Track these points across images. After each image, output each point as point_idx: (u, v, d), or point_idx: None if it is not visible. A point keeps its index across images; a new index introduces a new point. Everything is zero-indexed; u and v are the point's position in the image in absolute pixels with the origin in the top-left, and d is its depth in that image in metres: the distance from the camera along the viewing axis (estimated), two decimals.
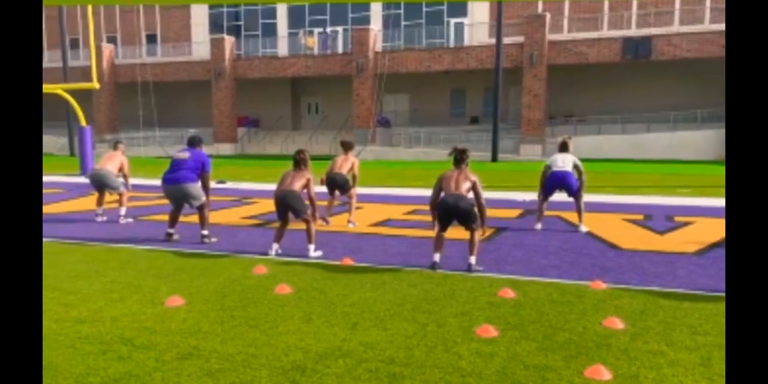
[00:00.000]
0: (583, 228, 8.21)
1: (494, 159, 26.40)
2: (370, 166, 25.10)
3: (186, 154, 7.45)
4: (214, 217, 9.29)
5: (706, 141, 26.94)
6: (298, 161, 6.84)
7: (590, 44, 28.35)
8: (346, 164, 8.84)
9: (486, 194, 6.07)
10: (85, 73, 32.59)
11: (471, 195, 5.98)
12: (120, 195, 9.07)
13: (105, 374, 3.27)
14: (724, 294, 4.99)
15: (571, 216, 9.08)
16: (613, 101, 30.42)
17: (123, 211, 9.04)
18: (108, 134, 35.16)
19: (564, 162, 8.26)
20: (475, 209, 5.93)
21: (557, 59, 28.82)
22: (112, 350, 3.62)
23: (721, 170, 19.24)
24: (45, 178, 16.99)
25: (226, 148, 34.03)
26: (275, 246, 6.70)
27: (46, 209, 10.55)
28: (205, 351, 3.63)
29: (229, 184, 15.02)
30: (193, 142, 7.66)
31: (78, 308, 4.49)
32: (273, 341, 3.81)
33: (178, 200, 7.32)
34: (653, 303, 4.74)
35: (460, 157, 6.19)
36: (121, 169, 9.19)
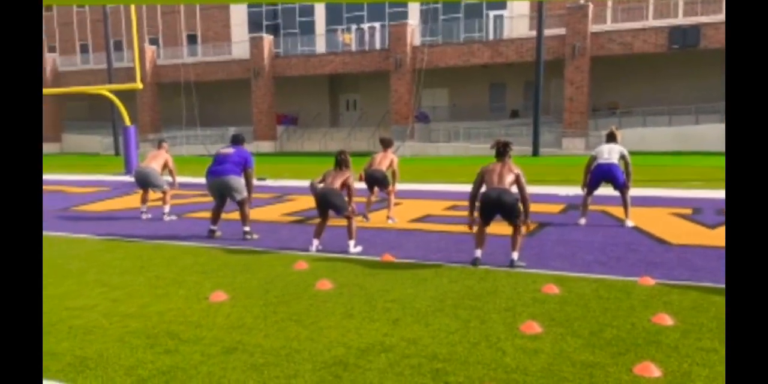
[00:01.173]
0: (630, 223, 8.00)
1: (535, 153, 26.01)
2: (408, 162, 25.06)
3: (231, 150, 7.59)
4: (255, 213, 9.40)
5: None
6: (340, 162, 6.84)
7: (635, 34, 27.65)
8: (385, 161, 8.81)
9: (528, 189, 5.96)
10: (129, 74, 33.39)
11: (514, 189, 5.89)
12: (164, 193, 9.25)
13: (153, 367, 3.33)
14: None
15: (617, 210, 8.87)
16: (659, 92, 29.63)
17: (167, 208, 9.21)
18: (151, 133, 35.96)
19: (610, 153, 8.05)
20: (519, 204, 5.84)
21: (600, 51, 28.20)
22: (159, 344, 3.68)
23: None
24: (91, 177, 17.50)
25: (265, 146, 34.45)
26: (315, 242, 6.73)
27: (92, 207, 10.85)
28: (249, 345, 3.66)
29: (269, 182, 15.18)
30: (237, 140, 7.79)
31: (125, 303, 4.59)
32: (315, 336, 3.82)
33: (221, 194, 7.43)
34: (704, 299, 4.59)
35: (503, 150, 6.08)
36: (165, 167, 9.37)
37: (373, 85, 35.02)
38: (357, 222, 6.86)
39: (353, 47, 34.87)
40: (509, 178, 5.86)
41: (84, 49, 42.47)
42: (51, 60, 40.07)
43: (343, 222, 6.80)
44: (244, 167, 7.48)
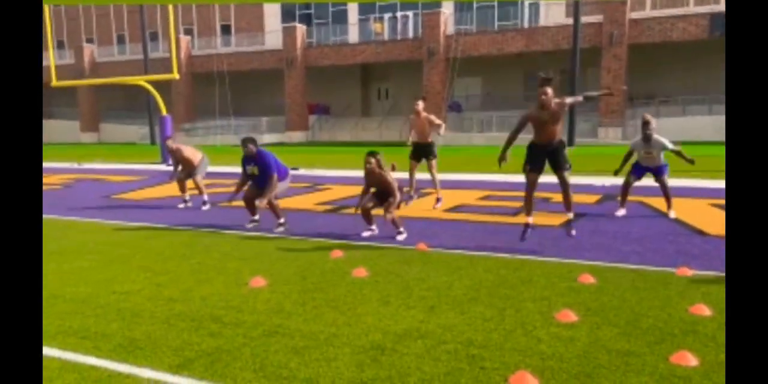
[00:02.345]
0: (673, 213, 7.90)
1: (570, 143, 25.69)
2: (440, 151, 25.01)
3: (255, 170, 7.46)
4: (289, 202, 9.55)
5: None
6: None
7: (675, 21, 27.02)
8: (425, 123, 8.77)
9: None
10: (164, 65, 33.93)
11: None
12: (197, 183, 9.38)
13: (198, 348, 3.46)
14: None
15: (654, 201, 8.79)
16: (700, 81, 28.92)
17: (206, 197, 9.39)
18: (186, 123, 36.55)
19: (649, 154, 7.95)
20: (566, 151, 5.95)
21: (639, 38, 27.64)
22: (203, 327, 3.82)
23: None
24: (129, 166, 17.91)
25: (297, 136, 34.73)
26: (373, 227, 6.92)
27: (131, 195, 11.14)
28: (289, 329, 3.77)
29: (301, 171, 15.35)
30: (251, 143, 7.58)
31: (169, 288, 4.75)
32: (353, 322, 3.92)
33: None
34: None
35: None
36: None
37: (405, 74, 34.94)
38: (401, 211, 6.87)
39: (385, 36, 34.80)
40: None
41: (121, 40, 43.27)
42: (89, 51, 40.93)
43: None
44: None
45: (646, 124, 7.93)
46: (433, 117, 8.83)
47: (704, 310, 4.04)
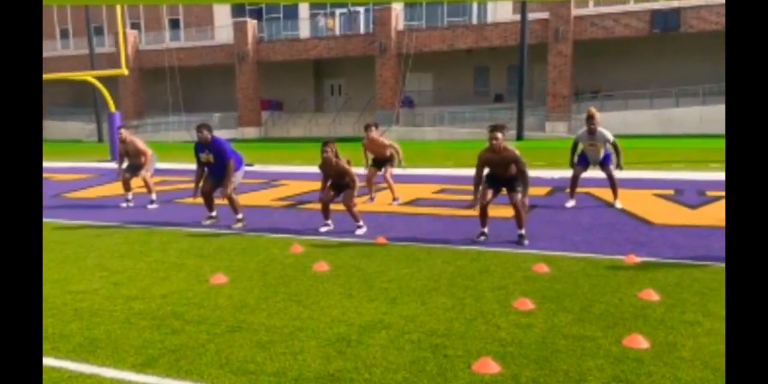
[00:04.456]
0: (619, 204, 8.19)
1: (519, 137, 26.20)
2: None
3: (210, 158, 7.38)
4: (247, 198, 9.47)
5: None
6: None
7: (617, 18, 27.83)
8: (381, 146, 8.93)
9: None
10: (111, 59, 33.00)
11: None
12: (146, 180, 9.18)
13: (162, 346, 3.44)
14: None
15: (601, 192, 9.09)
16: (641, 76, 29.91)
17: (153, 196, 9.18)
18: (134, 120, 35.61)
19: (594, 146, 8.22)
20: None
21: (583, 34, 28.37)
22: (165, 325, 3.79)
23: None
24: (77, 165, 17.38)
25: (250, 132, 34.31)
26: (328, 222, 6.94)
27: (81, 194, 10.84)
28: (253, 324, 3.78)
29: (256, 167, 15.22)
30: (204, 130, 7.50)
31: (127, 286, 4.68)
32: (317, 315, 3.95)
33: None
34: (688, 275, 4.78)
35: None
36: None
37: (357, 70, 34.93)
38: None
39: (337, 32, 34.68)
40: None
41: (64, 34, 41.79)
42: None
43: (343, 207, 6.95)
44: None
45: (590, 117, 8.19)
46: (388, 141, 8.98)
47: (652, 295, 4.24)
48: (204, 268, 5.19)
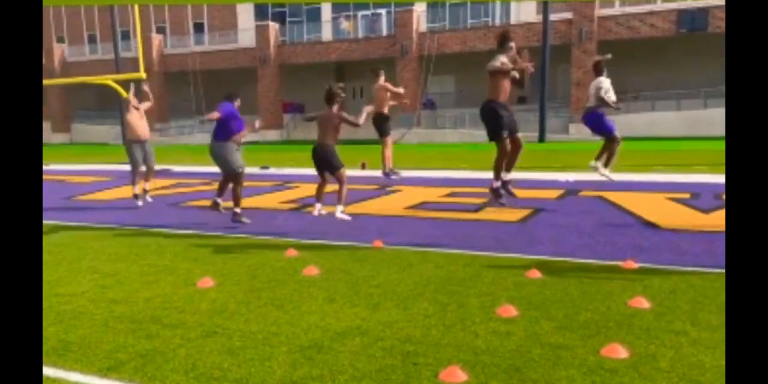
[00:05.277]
0: (594, 163, 8.12)
1: (541, 139, 25.94)
2: (414, 148, 25.08)
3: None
4: (253, 201, 9.52)
5: None
6: (325, 100, 6.91)
7: (642, 18, 27.41)
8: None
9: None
10: (136, 64, 33.51)
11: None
12: (151, 168, 9.40)
13: (133, 351, 3.43)
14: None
15: (613, 196, 8.93)
16: (668, 77, 29.37)
17: (148, 196, 9.36)
18: (158, 123, 36.16)
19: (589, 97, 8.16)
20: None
21: (608, 35, 27.99)
22: (142, 329, 3.79)
23: None
24: (95, 167, 17.68)
25: (272, 135, 34.58)
26: (318, 206, 6.95)
27: (92, 197, 11.00)
28: (229, 329, 3.76)
29: (272, 170, 15.31)
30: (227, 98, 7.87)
31: (114, 289, 4.70)
32: (294, 320, 3.91)
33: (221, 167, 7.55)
34: (685, 282, 4.62)
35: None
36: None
37: None
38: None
39: (359, 34, 34.77)
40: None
41: (92, 40, 42.68)
42: (59, 51, 40.32)
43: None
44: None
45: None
46: (390, 87, 8.88)
47: (643, 303, 4.10)
48: (194, 272, 5.19)
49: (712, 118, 26.60)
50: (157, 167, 14.98)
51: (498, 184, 7.36)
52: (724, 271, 4.92)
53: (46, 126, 41.67)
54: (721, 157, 15.66)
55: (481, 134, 29.37)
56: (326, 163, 6.81)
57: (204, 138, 32.40)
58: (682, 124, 27.00)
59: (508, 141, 6.95)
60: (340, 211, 6.71)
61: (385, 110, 8.84)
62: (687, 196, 9.29)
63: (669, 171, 12.89)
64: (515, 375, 3.04)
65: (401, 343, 3.50)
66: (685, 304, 4.09)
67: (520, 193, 10.02)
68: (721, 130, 26.07)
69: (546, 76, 25.84)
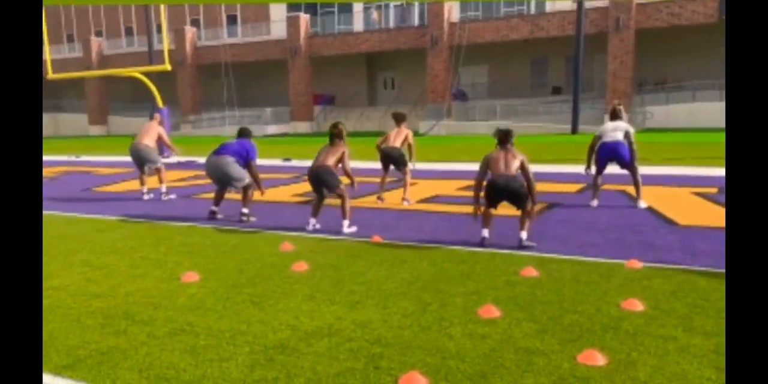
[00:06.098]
0: (642, 203, 7.66)
1: (574, 131, 25.32)
2: (441, 141, 24.79)
3: (233, 141, 7.56)
4: (266, 194, 9.44)
5: None
6: (333, 135, 6.84)
7: (683, 4, 26.41)
8: (400, 137, 8.60)
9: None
10: (170, 57, 34.00)
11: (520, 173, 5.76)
12: (158, 170, 9.29)
13: (95, 347, 3.36)
14: None
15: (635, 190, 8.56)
16: (710, 66, 28.24)
17: (164, 188, 9.28)
18: (191, 115, 36.64)
19: (615, 131, 7.71)
20: (525, 188, 5.69)
21: (646, 22, 27.08)
22: (112, 324, 3.73)
23: None
24: (125, 159, 17.94)
25: (302, 127, 34.65)
26: (312, 221, 6.75)
27: (112, 188, 11.12)
28: (198, 327, 3.67)
29: (294, 162, 15.28)
30: (241, 133, 7.67)
31: (99, 283, 4.67)
32: (267, 318, 3.80)
33: (220, 181, 7.40)
34: (689, 283, 4.35)
35: (505, 138, 5.94)
36: (159, 139, 9.43)
37: (410, 62, 34.63)
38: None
39: (390, 24, 34.46)
40: (515, 164, 5.73)
41: (129, 32, 43.40)
42: (97, 44, 41.12)
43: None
44: (246, 158, 7.38)
45: (614, 112, 7.94)
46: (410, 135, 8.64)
47: (636, 305, 3.86)
48: (183, 266, 5.13)
49: None
50: (182, 159, 15.19)
51: None
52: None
53: (83, 118, 42.66)
54: None
55: (513, 125, 28.83)
56: (323, 183, 6.65)
57: (233, 130, 32.70)
58: (725, 115, 26.01)
59: None
60: (346, 226, 6.56)
61: (399, 145, 8.59)
62: (714, 191, 8.87)
63: (702, 164, 12.37)
64: (479, 382, 2.87)
65: (370, 344, 3.35)
66: (682, 308, 3.83)
67: (540, 186, 9.76)
68: None
69: (580, 66, 25.16)
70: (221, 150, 7.38)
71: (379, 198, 8.57)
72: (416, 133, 29.06)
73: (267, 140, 28.58)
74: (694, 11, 26.28)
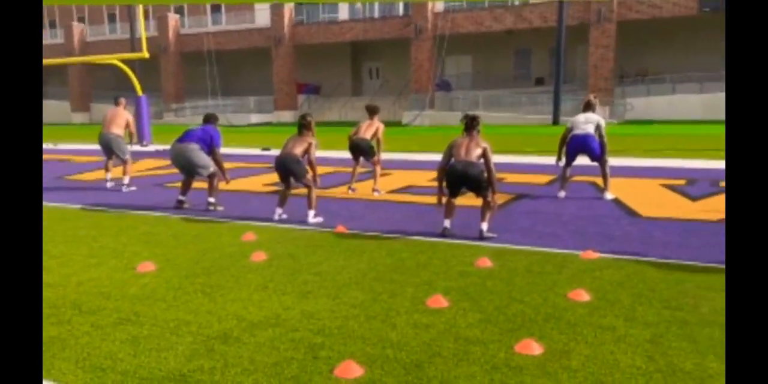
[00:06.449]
0: (609, 195, 7.72)
1: (555, 122, 25.42)
2: (423, 131, 24.79)
3: (196, 127, 7.53)
4: (237, 183, 9.44)
5: None
6: (301, 126, 6.81)
7: None
8: (371, 130, 8.62)
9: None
10: (152, 44, 33.64)
11: (482, 161, 5.78)
12: (124, 162, 9.20)
13: None
14: (724, 266, 4.58)
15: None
16: (690, 58, 28.46)
17: (126, 179, 9.16)
18: (174, 103, 36.32)
19: (586, 124, 7.75)
20: (485, 175, 5.71)
21: (628, 14, 27.17)
22: (57, 314, 3.71)
23: None
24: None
25: (286, 116, 34.48)
26: (279, 211, 6.75)
27: (84, 176, 11.03)
28: (144, 317, 3.66)
29: (273, 152, 15.21)
30: (207, 119, 7.64)
31: (53, 273, 4.64)
32: (216, 308, 3.80)
33: (185, 168, 7.37)
34: (639, 274, 4.41)
35: (471, 124, 5.97)
36: (127, 126, 9.33)
37: (395, 52, 34.52)
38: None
39: (375, 14, 34.29)
40: (476, 152, 5.76)
41: (112, 19, 42.84)
42: (79, 30, 40.57)
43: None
44: (210, 145, 7.34)
45: (588, 104, 7.96)
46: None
47: (583, 296, 3.91)
48: (141, 255, 5.11)
49: None
50: (160, 147, 15.06)
51: None
52: (689, 262, 4.70)
53: (66, 105, 42.14)
54: None
55: (495, 117, 28.79)
56: (290, 172, 6.63)
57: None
58: (704, 108, 26.20)
59: None
60: (312, 216, 6.56)
61: (369, 137, 8.58)
62: (683, 182, 8.97)
63: (677, 156, 12.49)
64: (414, 371, 2.90)
65: (313, 334, 3.37)
66: (627, 298, 3.89)
67: (511, 177, 9.82)
68: None
69: (562, 57, 25.22)
70: (185, 137, 7.35)
71: (350, 188, 8.59)
72: (399, 124, 29.03)
73: (250, 129, 28.43)
74: (675, 4, 26.39)
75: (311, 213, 6.59)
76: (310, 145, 6.70)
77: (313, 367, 2.95)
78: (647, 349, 3.11)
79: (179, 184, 7.80)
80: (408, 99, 31.38)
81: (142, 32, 17.00)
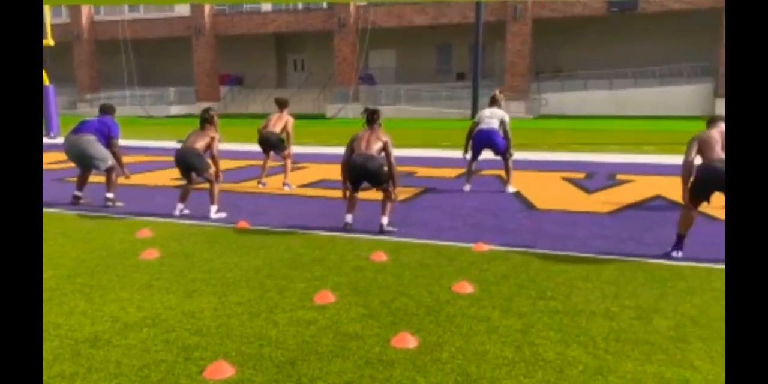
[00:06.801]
0: (511, 188, 7.97)
1: (474, 116, 25.94)
2: (346, 124, 24.76)
3: (93, 119, 7.24)
4: (145, 178, 9.15)
5: (693, 96, 26.40)
6: (204, 119, 6.66)
7: None
8: (280, 123, 8.52)
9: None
10: (63, 31, 32.01)
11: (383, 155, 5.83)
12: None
13: None
14: (605, 256, 4.82)
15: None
16: (601, 56, 29.64)
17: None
18: (89, 93, 34.71)
19: (491, 118, 7.96)
20: (386, 169, 5.76)
21: (542, 13, 27.99)
22: None
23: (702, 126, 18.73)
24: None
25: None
26: (180, 206, 6.57)
27: None
28: None
29: None
30: (103, 110, 7.35)
31: None
32: (92, 310, 3.67)
33: (81, 162, 7.07)
34: (524, 266, 4.57)
35: (371, 118, 6.02)
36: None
37: (320, 45, 34.23)
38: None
39: (300, 5, 33.87)
40: (377, 146, 5.80)
41: None
42: None
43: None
44: (108, 137, 7.07)
45: (493, 99, 8.14)
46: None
47: (466, 288, 4.02)
48: None
49: (641, 99, 27.12)
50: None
51: None
52: (572, 253, 4.91)
53: None
54: (641, 138, 15.93)
55: (418, 111, 29.03)
56: (191, 166, 6.47)
57: (133, 110, 31.29)
58: (613, 104, 27.41)
59: None
60: (214, 212, 6.43)
61: (278, 130, 8.50)
62: (582, 175, 9.36)
63: (581, 150, 13.02)
64: (285, 369, 2.90)
65: (190, 334, 3.31)
66: (508, 290, 4.02)
67: (422, 171, 9.97)
68: (649, 111, 26.64)
69: (480, 53, 25.72)
70: (81, 128, 7.04)
71: (260, 182, 8.47)
72: (324, 117, 28.88)
73: (169, 121, 27.54)
74: (585, 4, 27.41)
75: (213, 208, 6.47)
76: (212, 139, 6.56)
77: (182, 369, 2.90)
78: (516, 339, 3.23)
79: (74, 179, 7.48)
80: (333, 92, 31.24)
81: (47, 18, 16.09)
